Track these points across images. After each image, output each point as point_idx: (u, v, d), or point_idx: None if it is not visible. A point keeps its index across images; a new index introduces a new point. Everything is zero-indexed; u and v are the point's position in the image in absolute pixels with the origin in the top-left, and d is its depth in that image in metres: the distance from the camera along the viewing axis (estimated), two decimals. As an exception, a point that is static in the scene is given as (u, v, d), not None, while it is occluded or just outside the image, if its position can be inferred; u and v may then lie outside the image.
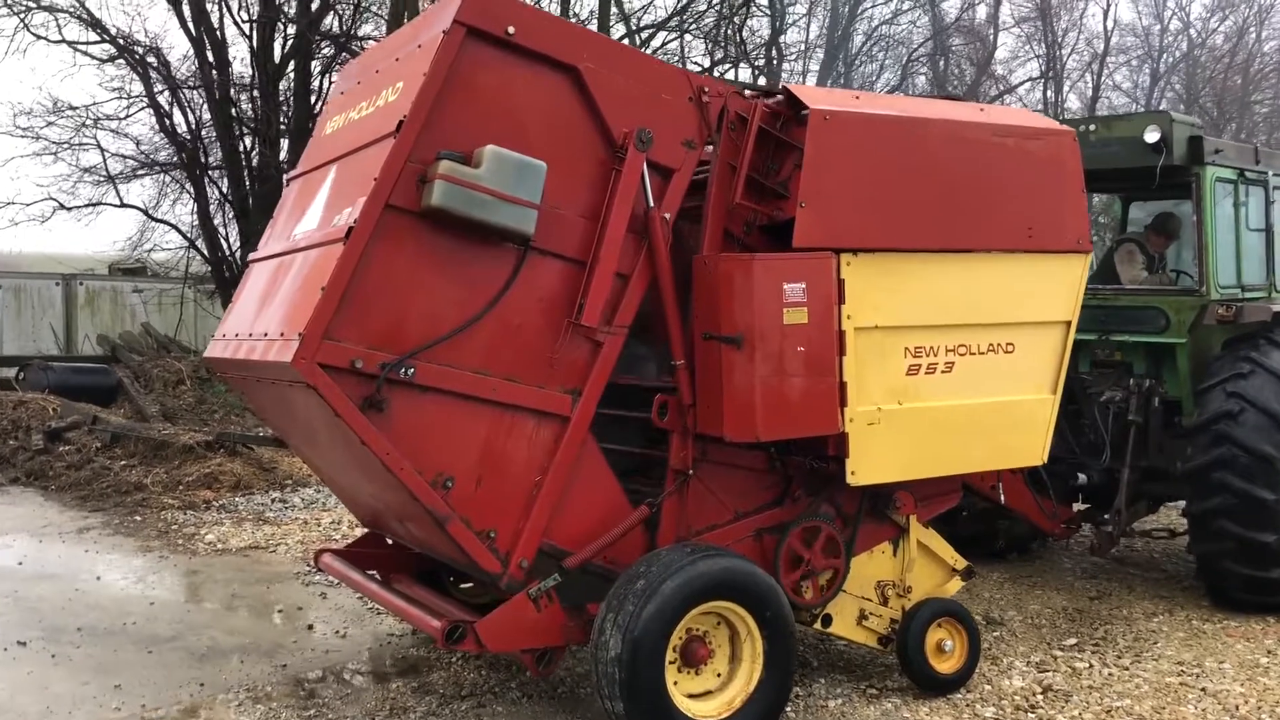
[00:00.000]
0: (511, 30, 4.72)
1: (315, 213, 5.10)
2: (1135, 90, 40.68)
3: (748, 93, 5.49)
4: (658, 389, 5.26)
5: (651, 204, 5.11)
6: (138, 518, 9.89)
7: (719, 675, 5.03)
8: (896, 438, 5.44)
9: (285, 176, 6.14)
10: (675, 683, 4.84)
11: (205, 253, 20.09)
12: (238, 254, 20.04)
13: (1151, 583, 8.02)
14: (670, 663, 4.82)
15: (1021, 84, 35.72)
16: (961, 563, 6.05)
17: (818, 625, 5.62)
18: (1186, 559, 8.49)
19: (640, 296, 5.08)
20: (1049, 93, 35.98)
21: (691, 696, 4.92)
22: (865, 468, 5.35)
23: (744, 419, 5.02)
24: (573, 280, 4.90)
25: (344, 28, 19.72)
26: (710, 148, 5.39)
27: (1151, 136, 7.29)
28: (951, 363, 5.64)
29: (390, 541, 6.36)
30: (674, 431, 5.25)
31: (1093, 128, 7.64)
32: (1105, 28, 39.43)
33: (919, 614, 5.70)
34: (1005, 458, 6.00)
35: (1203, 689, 5.82)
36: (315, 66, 20.05)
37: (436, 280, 4.61)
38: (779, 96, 5.50)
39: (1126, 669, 6.15)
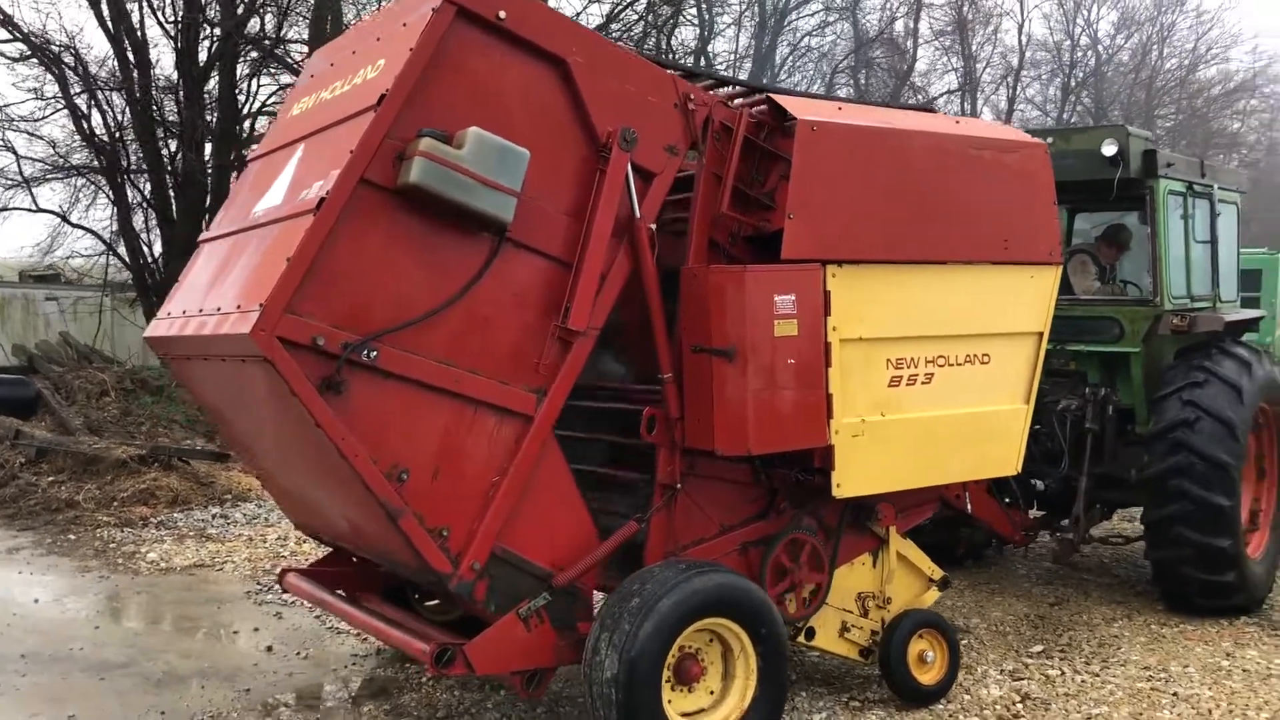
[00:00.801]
0: (503, 15, 4.61)
1: (280, 189, 4.89)
2: (1046, 103, 41.82)
3: (736, 101, 5.45)
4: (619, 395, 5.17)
5: (639, 213, 5.03)
6: (71, 536, 9.48)
7: (712, 693, 4.95)
8: (880, 449, 5.43)
9: (247, 157, 5.91)
10: (669, 701, 4.76)
11: (126, 259, 19.47)
12: (160, 261, 19.47)
13: (1106, 588, 8.16)
14: (665, 681, 4.74)
15: (940, 96, 36.42)
16: (938, 573, 6.07)
17: (801, 638, 5.59)
18: (1138, 564, 8.68)
19: (614, 299, 4.97)
20: (966, 105, 36.77)
21: (685, 715, 4.84)
22: (850, 480, 5.33)
23: (736, 432, 4.97)
24: (546, 277, 4.77)
25: (273, 32, 19.28)
26: (693, 157, 5.33)
27: (1109, 150, 7.43)
28: (931, 374, 5.65)
29: (355, 560, 6.18)
30: (661, 446, 5.17)
31: (1050, 140, 7.74)
32: (1020, 42, 40.30)
33: (901, 625, 5.70)
34: (982, 468, 6.04)
35: (1174, 694, 5.91)
36: (241, 69, 19.60)
37: (407, 262, 4.43)
38: (763, 106, 5.47)
39: (1097, 675, 6.23)
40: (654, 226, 5.16)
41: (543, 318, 4.76)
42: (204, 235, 5.51)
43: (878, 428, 5.41)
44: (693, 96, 5.20)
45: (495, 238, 4.60)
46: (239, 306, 4.34)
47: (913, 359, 5.58)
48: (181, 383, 5.57)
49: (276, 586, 7.91)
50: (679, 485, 5.21)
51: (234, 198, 5.55)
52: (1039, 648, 6.73)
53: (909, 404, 5.55)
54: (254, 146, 5.91)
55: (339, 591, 5.79)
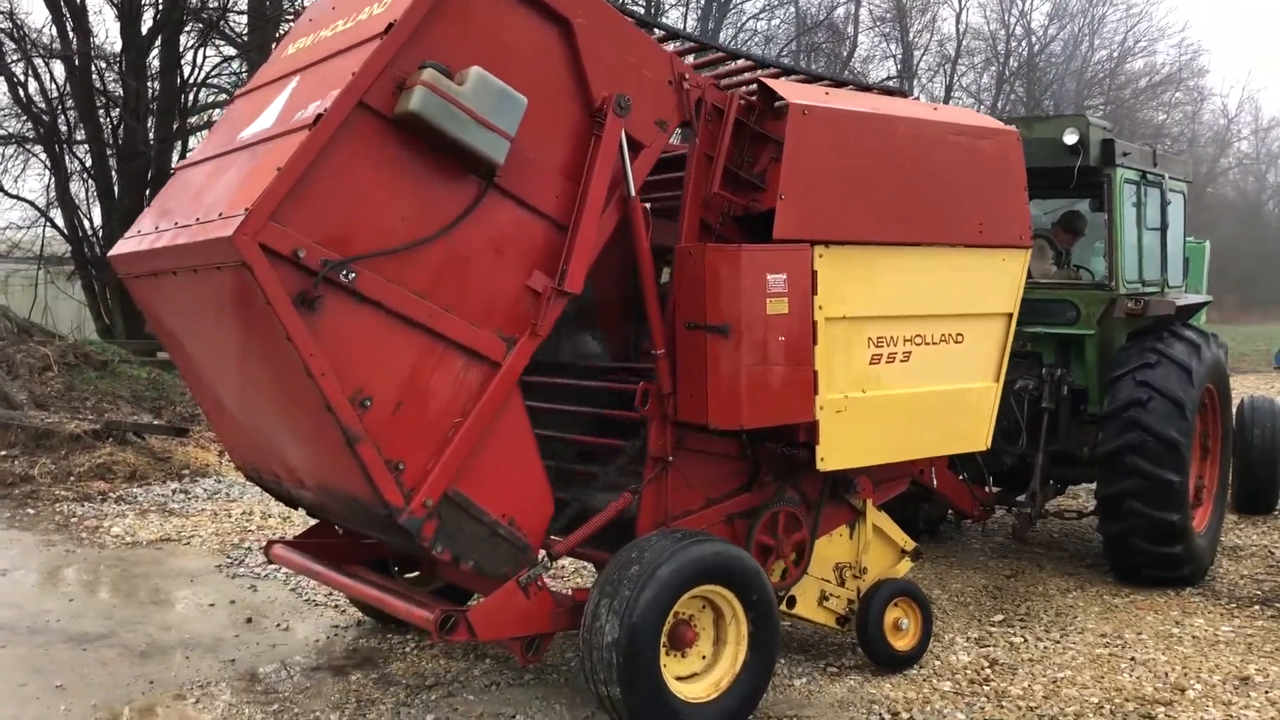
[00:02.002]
0: None
1: (271, 114, 4.90)
2: (980, 92, 42.56)
3: (724, 82, 5.57)
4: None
5: (634, 190, 5.15)
6: (30, 510, 9.36)
7: (704, 658, 5.12)
8: (861, 424, 5.62)
9: (235, 94, 5.87)
10: (665, 665, 4.91)
11: (64, 231, 19.07)
12: (100, 233, 19.11)
13: (1058, 560, 8.48)
14: (661, 646, 4.89)
15: (880, 82, 36.88)
16: (910, 544, 6.30)
17: (783, 607, 5.77)
18: (1086, 539, 9.03)
19: (592, 260, 5.02)
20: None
21: (680, 679, 5.00)
22: (833, 454, 5.52)
23: (729, 407, 5.12)
24: (528, 229, 4.82)
25: (217, 3, 18.95)
26: (679, 138, 5.46)
27: (1070, 138, 7.70)
28: (909, 352, 5.86)
29: (340, 531, 6.24)
30: (653, 420, 5.31)
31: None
32: (957, 31, 40.99)
33: (878, 594, 5.92)
34: (954, 443, 6.27)
35: (1131, 658, 6.22)
36: (186, 41, 19.26)
37: (395, 192, 4.48)
38: (753, 89, 5.61)
39: (1058, 642, 6.51)
40: (648, 205, 5.29)
41: (519, 268, 4.80)
42: (180, 164, 5.46)
43: (859, 404, 5.60)
44: (687, 76, 5.32)
45: (483, 182, 4.66)
46: (220, 214, 4.34)
47: (892, 338, 5.77)
48: (142, 305, 5.44)
49: (247, 560, 7.99)
50: (670, 458, 5.36)
51: (216, 130, 5.54)
52: (1000, 617, 7.01)
53: (888, 381, 5.75)
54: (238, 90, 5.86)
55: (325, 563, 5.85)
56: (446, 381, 4.62)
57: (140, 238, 5.05)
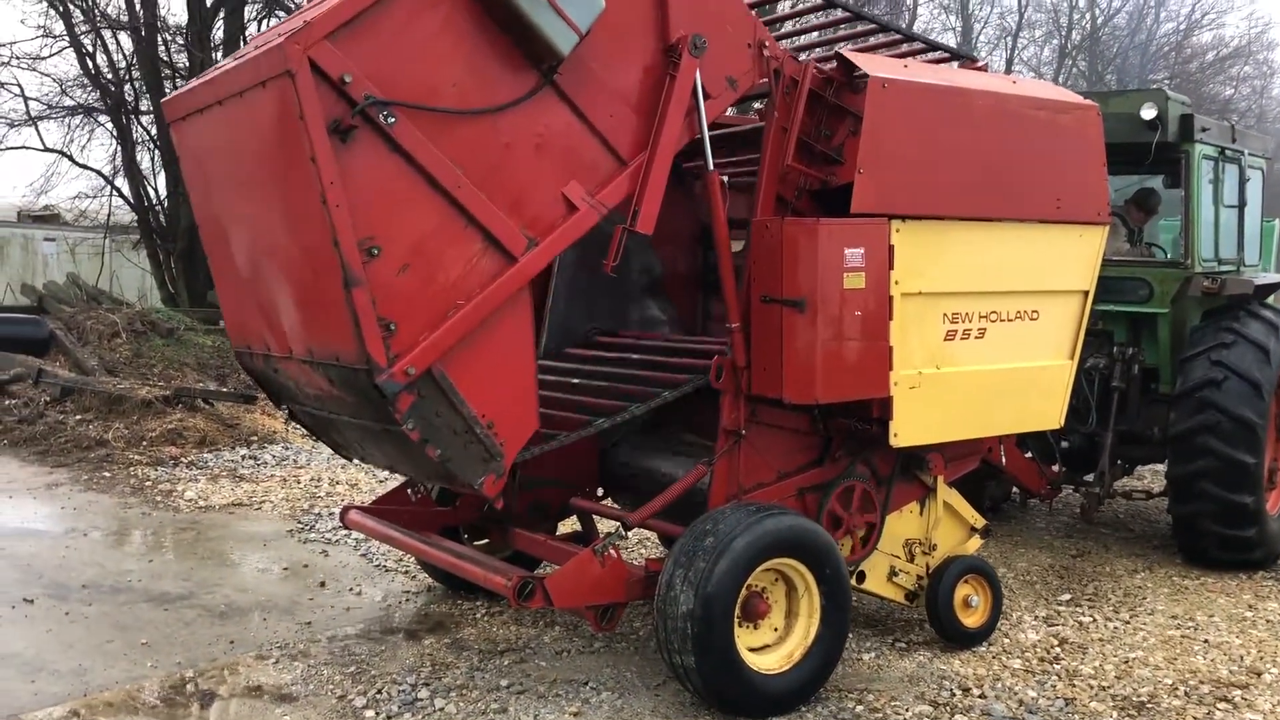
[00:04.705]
0: None
1: None
2: (1040, 66, 41.83)
3: (802, 56, 5.55)
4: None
5: (711, 164, 5.16)
6: (106, 474, 9.59)
7: (775, 630, 5.16)
8: (934, 401, 5.60)
9: None
10: (738, 636, 4.95)
11: (130, 200, 19.41)
12: (165, 202, 19.42)
13: (1125, 541, 8.40)
14: (734, 617, 4.93)
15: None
16: (980, 521, 6.28)
17: (852, 581, 5.78)
18: (1153, 519, 8.94)
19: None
20: (965, 65, 36.67)
21: (752, 650, 5.04)
22: (907, 430, 5.50)
23: (804, 381, 5.12)
24: (575, 139, 4.78)
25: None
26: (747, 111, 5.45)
27: (1148, 113, 7.56)
28: (984, 329, 5.81)
29: (413, 497, 6.35)
30: (727, 393, 5.33)
31: (1089, 103, 7.87)
32: (1019, 2, 40.24)
33: (949, 570, 5.91)
34: (1028, 421, 6.22)
35: (1205, 641, 6.16)
36: (250, 12, 19.46)
37: (454, 57, 4.46)
38: (831, 61, 5.58)
39: (1127, 623, 6.47)
40: (725, 178, 5.29)
41: (558, 173, 4.75)
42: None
43: (933, 380, 5.57)
44: (767, 44, 5.30)
45: (542, 77, 4.64)
46: (280, 34, 4.35)
47: (967, 314, 5.73)
48: (181, 151, 5.37)
49: (317, 525, 8.13)
50: (743, 431, 5.38)
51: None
52: (1067, 596, 6.97)
53: (962, 357, 5.71)
54: None
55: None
56: (459, 259, 4.52)
57: (197, 81, 5.11)
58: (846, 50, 5.68)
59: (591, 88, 4.80)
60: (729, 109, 6.17)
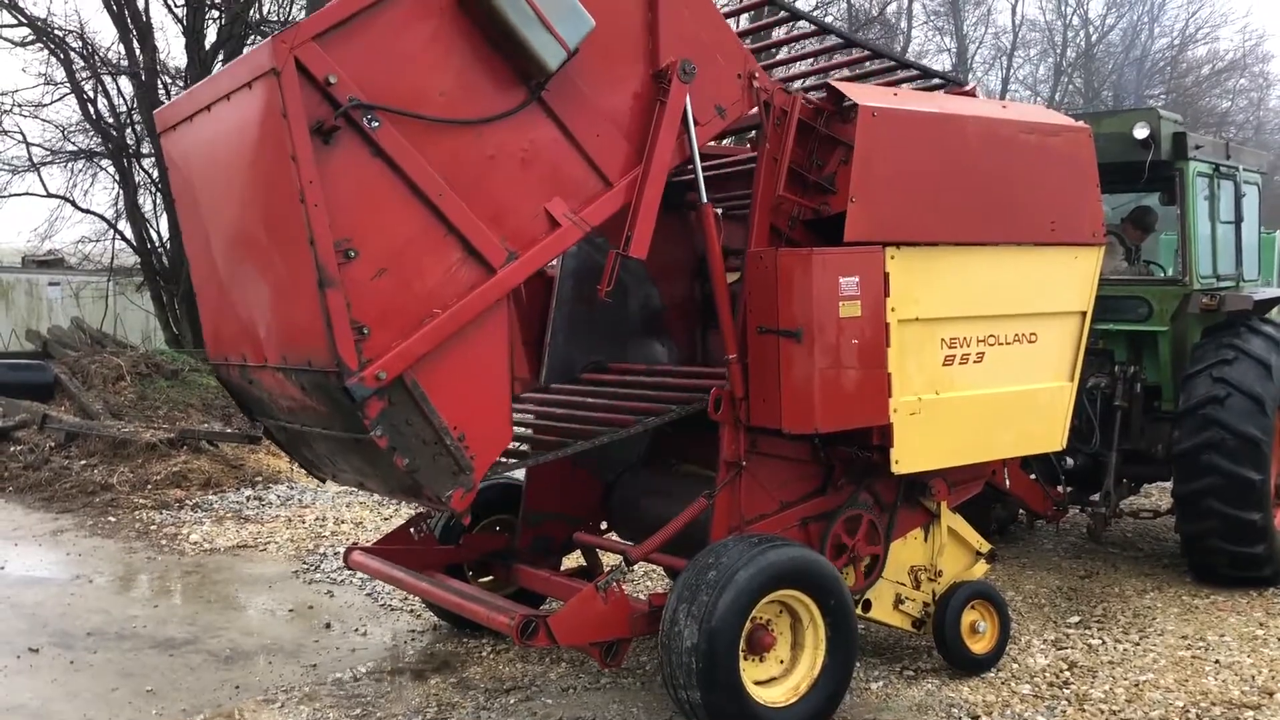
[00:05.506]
0: None
1: None
2: (1036, 84, 42.00)
3: (794, 86, 5.58)
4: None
5: (704, 196, 5.19)
6: (111, 519, 9.60)
7: (781, 662, 5.13)
8: (935, 426, 5.59)
9: None
10: (743, 670, 4.92)
11: (134, 242, 19.51)
12: (168, 244, 19.51)
13: (1133, 560, 8.36)
14: (739, 650, 4.90)
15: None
16: (985, 546, 6.25)
17: (858, 610, 5.75)
18: (1161, 538, 8.89)
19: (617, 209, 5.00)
20: (960, 86, 36.81)
21: (758, 683, 5.01)
22: (908, 457, 5.49)
23: (803, 411, 5.12)
24: (559, 156, 4.80)
25: (278, 17, 19.29)
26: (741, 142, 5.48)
27: (1141, 133, 7.59)
28: (982, 353, 5.81)
29: (416, 536, 6.34)
30: (726, 424, 5.33)
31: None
32: (1013, 22, 40.48)
33: (955, 596, 5.88)
34: (1029, 444, 6.21)
35: (1216, 661, 6.11)
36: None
37: (443, 67, 4.50)
38: (820, 91, 5.61)
39: (1137, 644, 6.42)
40: (719, 211, 5.31)
41: (542, 188, 4.75)
42: None
43: (933, 406, 5.57)
44: (757, 75, 5.33)
45: (530, 92, 4.67)
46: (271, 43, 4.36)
47: (965, 338, 5.73)
48: (169, 160, 5.40)
49: (322, 566, 8.11)
50: (743, 463, 5.37)
51: None
52: (1076, 618, 6.93)
53: (962, 382, 5.71)
54: None
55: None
56: (438, 268, 4.51)
57: (182, 94, 5.15)
58: (835, 80, 5.71)
59: (579, 105, 4.83)
60: (725, 140, 6.21)
